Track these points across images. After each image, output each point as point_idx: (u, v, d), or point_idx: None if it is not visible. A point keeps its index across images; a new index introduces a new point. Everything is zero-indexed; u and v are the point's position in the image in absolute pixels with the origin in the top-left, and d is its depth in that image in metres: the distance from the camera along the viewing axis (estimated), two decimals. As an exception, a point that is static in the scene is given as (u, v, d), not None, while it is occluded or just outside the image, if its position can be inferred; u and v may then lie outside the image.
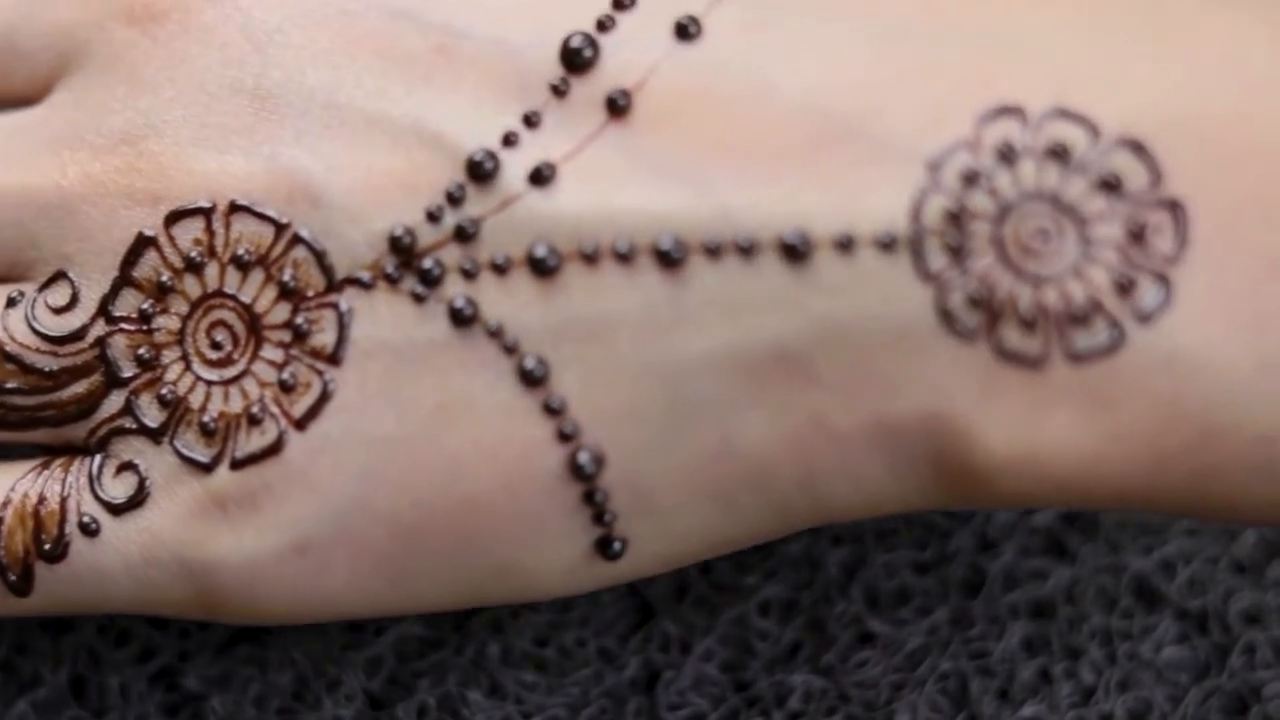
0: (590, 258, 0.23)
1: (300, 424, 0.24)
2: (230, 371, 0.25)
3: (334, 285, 0.24)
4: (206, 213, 0.25)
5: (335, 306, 0.24)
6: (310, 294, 0.24)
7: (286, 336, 0.24)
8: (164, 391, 0.25)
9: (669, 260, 0.23)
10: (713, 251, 0.23)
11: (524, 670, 0.31)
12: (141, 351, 0.25)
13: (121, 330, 0.25)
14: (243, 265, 0.25)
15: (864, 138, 0.23)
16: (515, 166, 0.24)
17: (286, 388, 0.24)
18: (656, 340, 0.23)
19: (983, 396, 0.22)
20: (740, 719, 0.30)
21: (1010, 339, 0.22)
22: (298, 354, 0.24)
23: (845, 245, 0.23)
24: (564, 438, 0.24)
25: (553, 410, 0.24)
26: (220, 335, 0.25)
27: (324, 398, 0.24)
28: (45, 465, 0.25)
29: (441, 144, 0.24)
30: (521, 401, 0.24)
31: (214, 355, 0.25)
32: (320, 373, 0.24)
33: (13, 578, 0.25)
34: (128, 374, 0.25)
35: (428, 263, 0.24)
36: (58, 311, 0.25)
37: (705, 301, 0.23)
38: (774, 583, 0.31)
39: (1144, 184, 0.22)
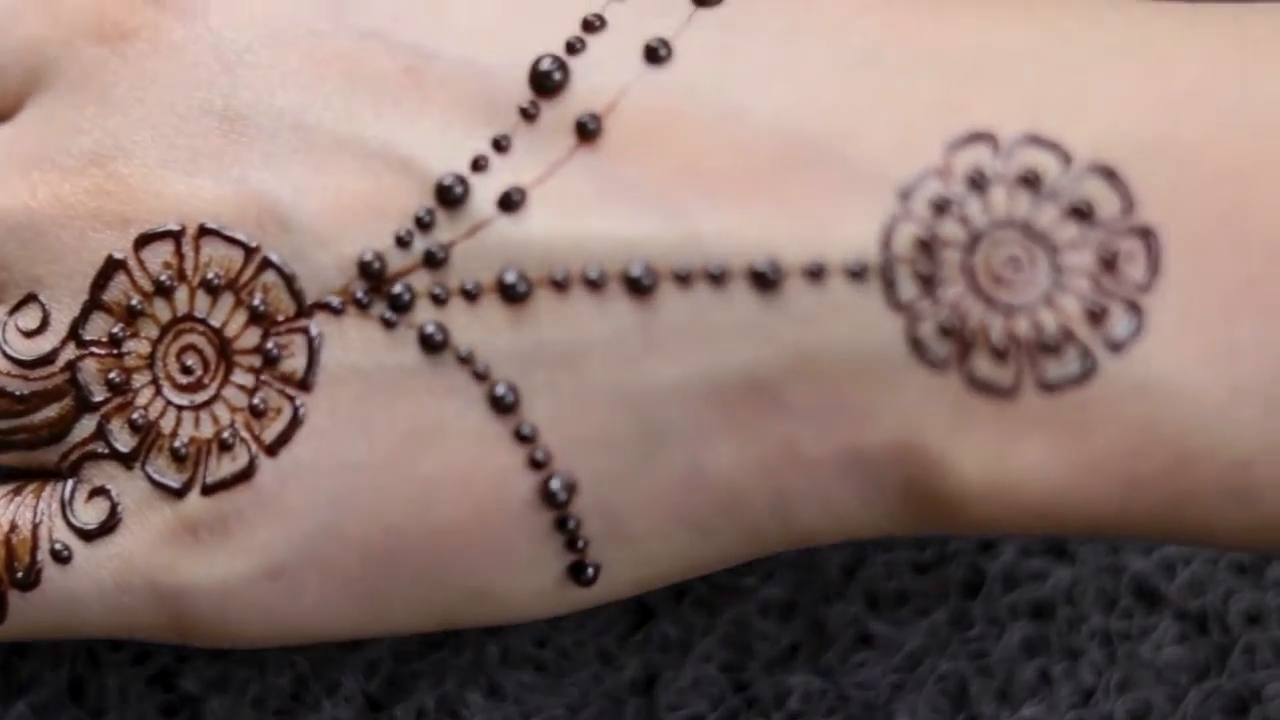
0: (560, 284, 0.25)
1: (271, 450, 0.26)
2: (201, 396, 0.26)
3: (304, 310, 0.26)
4: (176, 236, 0.26)
5: (305, 332, 0.26)
6: (280, 319, 0.26)
7: (257, 361, 0.26)
8: (135, 416, 0.26)
9: (639, 288, 0.25)
10: (683, 279, 0.24)
11: (523, 671, 0.32)
12: (112, 375, 0.27)
13: (92, 354, 0.26)
14: (212, 289, 0.26)
15: (835, 163, 0.24)
16: (485, 191, 0.25)
17: (257, 413, 0.26)
18: (627, 368, 0.25)
19: (954, 425, 0.24)
20: (739, 720, 0.32)
21: (982, 369, 0.24)
22: (268, 379, 0.26)
23: (816, 274, 0.24)
24: (535, 465, 0.25)
25: (524, 437, 0.25)
26: (190, 359, 0.26)
27: (295, 423, 0.26)
28: (17, 491, 0.27)
29: (410, 168, 0.25)
30: (492, 428, 0.25)
31: (184, 380, 0.26)
32: (291, 398, 0.25)
33: (-14, 604, 0.26)
34: (98, 398, 0.26)
35: (397, 288, 0.25)
36: (28, 335, 0.27)
37: (675, 329, 0.24)
38: (773, 583, 0.33)
39: (1116, 211, 0.24)
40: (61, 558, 0.26)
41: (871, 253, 0.24)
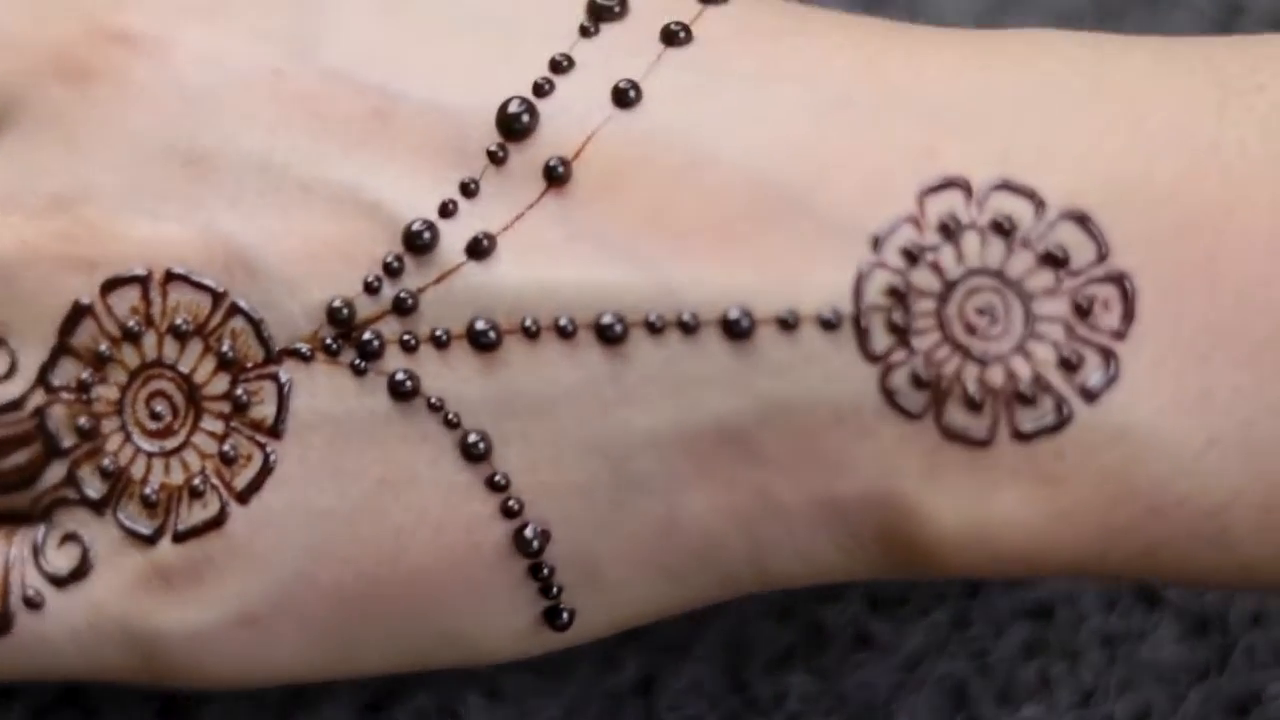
0: (531, 333, 0.27)
1: (242, 497, 0.28)
2: (171, 443, 0.28)
3: (272, 356, 0.27)
4: (143, 281, 0.28)
5: (275, 378, 0.27)
6: (249, 365, 0.27)
7: (226, 408, 0.28)
8: (105, 463, 0.28)
9: (611, 337, 0.26)
10: (655, 329, 0.26)
11: (522, 672, 0.34)
12: (81, 422, 0.29)
13: (61, 400, 0.28)
14: (180, 335, 0.28)
15: (806, 211, 0.26)
16: (453, 237, 0.27)
17: (228, 460, 0.27)
18: (599, 417, 0.26)
19: (929, 475, 0.26)
20: (739, 720, 0.34)
21: (956, 419, 0.25)
22: (238, 426, 0.27)
23: (788, 324, 0.26)
24: (508, 513, 0.27)
25: (496, 485, 0.27)
26: (160, 406, 0.28)
27: (265, 470, 0.28)
28: None
29: (378, 213, 0.27)
30: (464, 476, 0.27)
31: (154, 426, 0.28)
32: (261, 445, 0.27)
33: (-40, 650, 0.29)
34: (67, 444, 0.28)
35: (367, 335, 0.27)
36: (-3, 379, 0.28)
37: (648, 379, 0.26)
38: (772, 583, 0.34)
39: (1090, 258, 0.26)
40: (33, 604, 0.28)
41: (844, 302, 0.26)
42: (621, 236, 0.27)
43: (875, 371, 0.26)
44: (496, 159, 0.27)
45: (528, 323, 0.27)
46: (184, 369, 0.28)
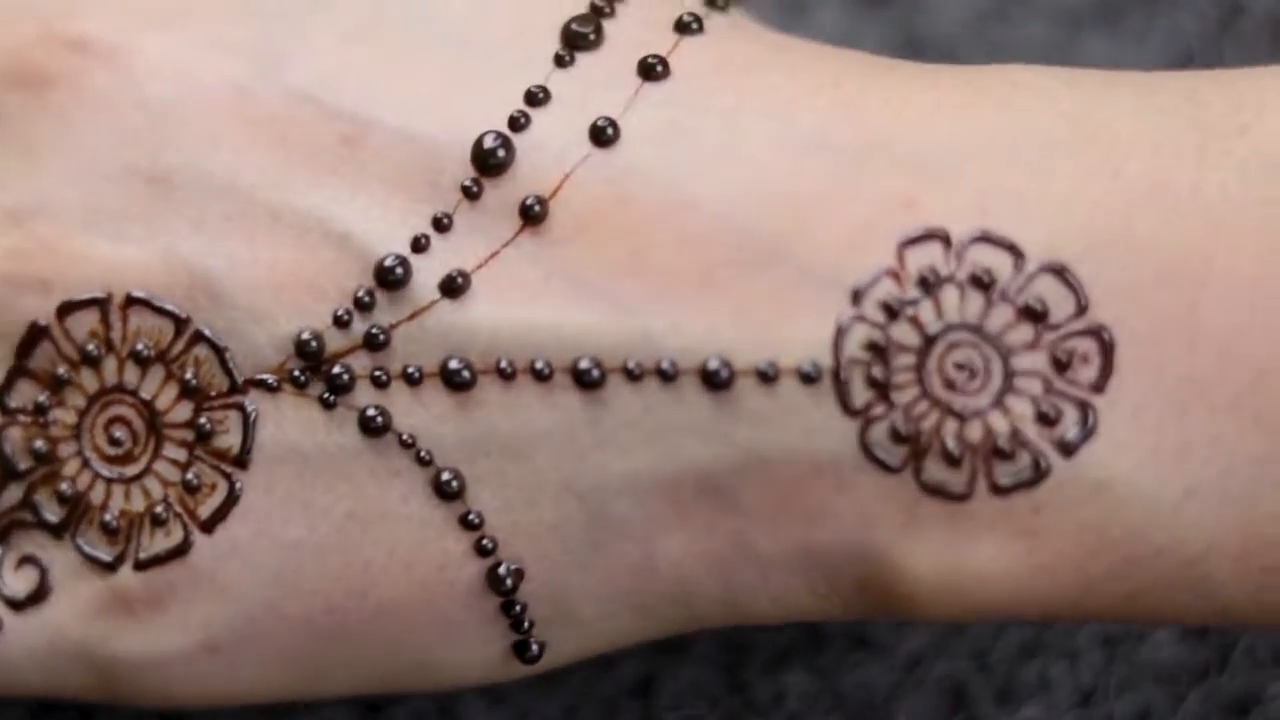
0: (506, 374, 0.29)
1: (207, 526, 0.30)
2: (131, 469, 0.30)
3: (237, 386, 0.29)
4: (102, 304, 0.30)
5: (240, 408, 0.30)
6: (213, 394, 0.29)
7: (189, 436, 0.30)
8: (63, 487, 0.31)
9: (588, 382, 0.29)
10: (633, 376, 0.29)
11: None
12: (37, 445, 0.31)
13: (17, 422, 0.30)
14: (142, 360, 0.30)
15: (786, 260, 0.28)
16: (426, 274, 0.29)
17: (191, 488, 0.30)
18: (576, 460, 0.29)
19: (907, 527, 0.28)
20: (738, 721, 0.36)
21: (935, 473, 0.28)
22: (202, 454, 0.30)
23: (768, 377, 0.28)
24: (482, 551, 0.30)
25: (470, 524, 0.30)
26: (119, 432, 0.30)
27: (231, 500, 0.30)
28: None
29: (348, 245, 0.29)
30: (437, 514, 0.30)
31: (113, 451, 0.30)
32: (226, 475, 0.30)
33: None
34: (23, 467, 0.31)
35: (337, 369, 0.29)
36: (-50, 400, 0.31)
37: (626, 424, 0.29)
38: (771, 583, 0.36)
39: (1069, 311, 0.28)
40: None
41: (824, 356, 0.28)
42: (600, 279, 0.29)
43: (855, 426, 0.28)
44: (471, 194, 0.29)
45: (503, 364, 0.29)
46: (145, 395, 0.30)
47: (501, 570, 0.30)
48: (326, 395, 0.29)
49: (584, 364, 0.29)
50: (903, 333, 0.28)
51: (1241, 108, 0.28)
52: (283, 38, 0.30)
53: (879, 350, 0.28)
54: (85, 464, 0.30)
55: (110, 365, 0.30)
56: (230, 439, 0.30)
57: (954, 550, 0.28)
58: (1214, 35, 0.31)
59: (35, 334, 0.30)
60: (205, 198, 0.30)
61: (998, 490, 0.28)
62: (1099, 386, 0.27)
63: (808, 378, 0.28)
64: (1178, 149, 0.27)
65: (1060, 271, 0.27)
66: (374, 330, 0.29)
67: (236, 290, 0.30)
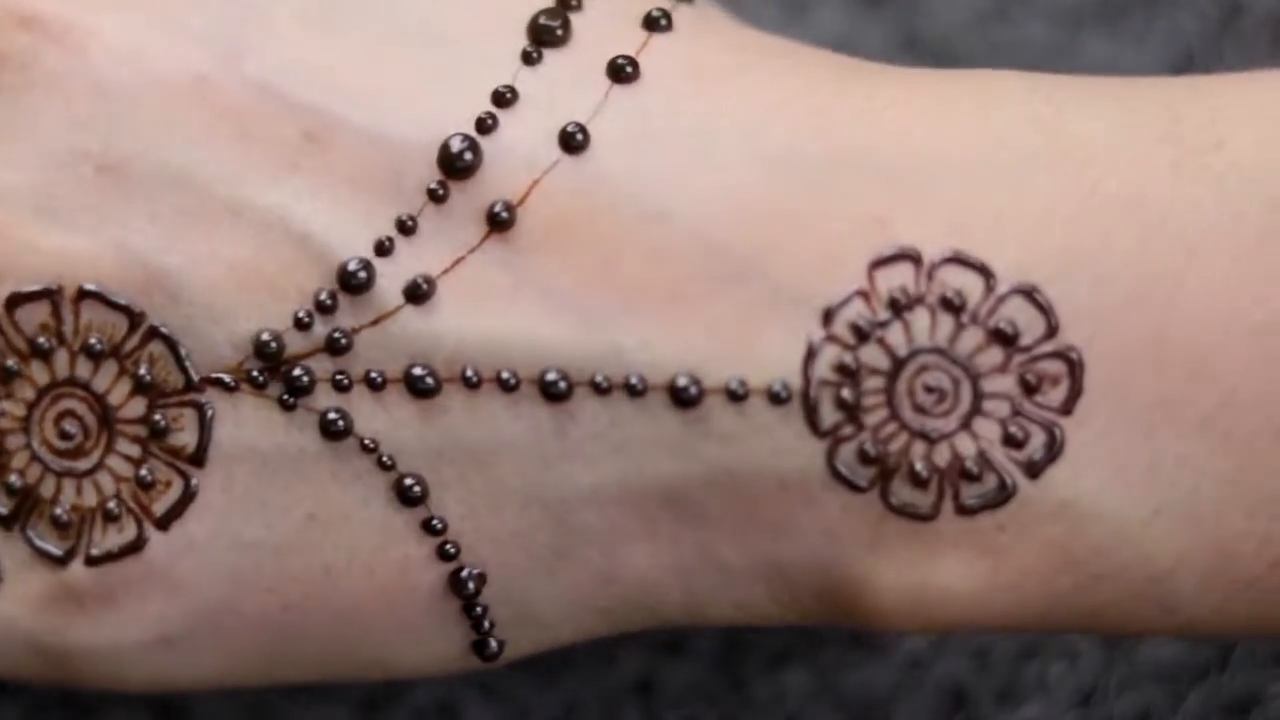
0: (472, 383, 0.29)
1: (162, 523, 0.30)
2: (82, 464, 0.30)
3: (193, 384, 0.29)
4: (53, 296, 0.30)
5: (197, 406, 0.30)
6: (168, 391, 0.29)
7: (143, 432, 0.30)
8: (11, 479, 0.31)
9: (555, 394, 0.29)
10: (601, 389, 0.29)
11: (520, 671, 0.37)
12: (-16, 437, 0.30)
13: None
14: (94, 355, 0.30)
15: (757, 278, 0.28)
16: (390, 279, 0.29)
17: (144, 485, 0.30)
18: (542, 470, 0.29)
19: (873, 544, 0.29)
20: (737, 720, 0.37)
21: (902, 494, 0.28)
22: (156, 451, 0.30)
23: (736, 395, 0.28)
24: (445, 556, 0.30)
25: (433, 529, 0.30)
26: (70, 426, 0.30)
27: (187, 498, 0.30)
28: None
29: (309, 245, 0.29)
30: (399, 518, 0.30)
31: (63, 445, 0.30)
32: (182, 472, 0.30)
33: None
34: None
35: (296, 371, 0.30)
36: (-105, 389, 0.30)
37: (592, 436, 0.29)
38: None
39: (1039, 333, 0.28)
40: None
41: (794, 376, 0.28)
42: (568, 290, 0.29)
43: (823, 447, 0.28)
44: (437, 197, 0.29)
45: (468, 373, 0.29)
46: (97, 389, 0.30)
47: (464, 575, 0.30)
48: (286, 397, 0.29)
49: (551, 376, 0.29)
50: (873, 355, 0.29)
51: (1216, 120, 0.29)
52: (244, 23, 0.29)
53: (849, 372, 0.29)
54: (34, 457, 0.30)
55: (62, 358, 0.30)
56: (186, 437, 0.30)
57: (918, 567, 0.29)
58: (1214, 35, 0.31)
59: None
60: (160, 189, 0.29)
61: (963, 510, 0.29)
62: (1067, 409, 0.28)
63: (777, 398, 0.28)
64: (1154, 164, 0.28)
65: (1030, 293, 0.28)
66: (336, 334, 0.29)
67: (194, 288, 0.29)
